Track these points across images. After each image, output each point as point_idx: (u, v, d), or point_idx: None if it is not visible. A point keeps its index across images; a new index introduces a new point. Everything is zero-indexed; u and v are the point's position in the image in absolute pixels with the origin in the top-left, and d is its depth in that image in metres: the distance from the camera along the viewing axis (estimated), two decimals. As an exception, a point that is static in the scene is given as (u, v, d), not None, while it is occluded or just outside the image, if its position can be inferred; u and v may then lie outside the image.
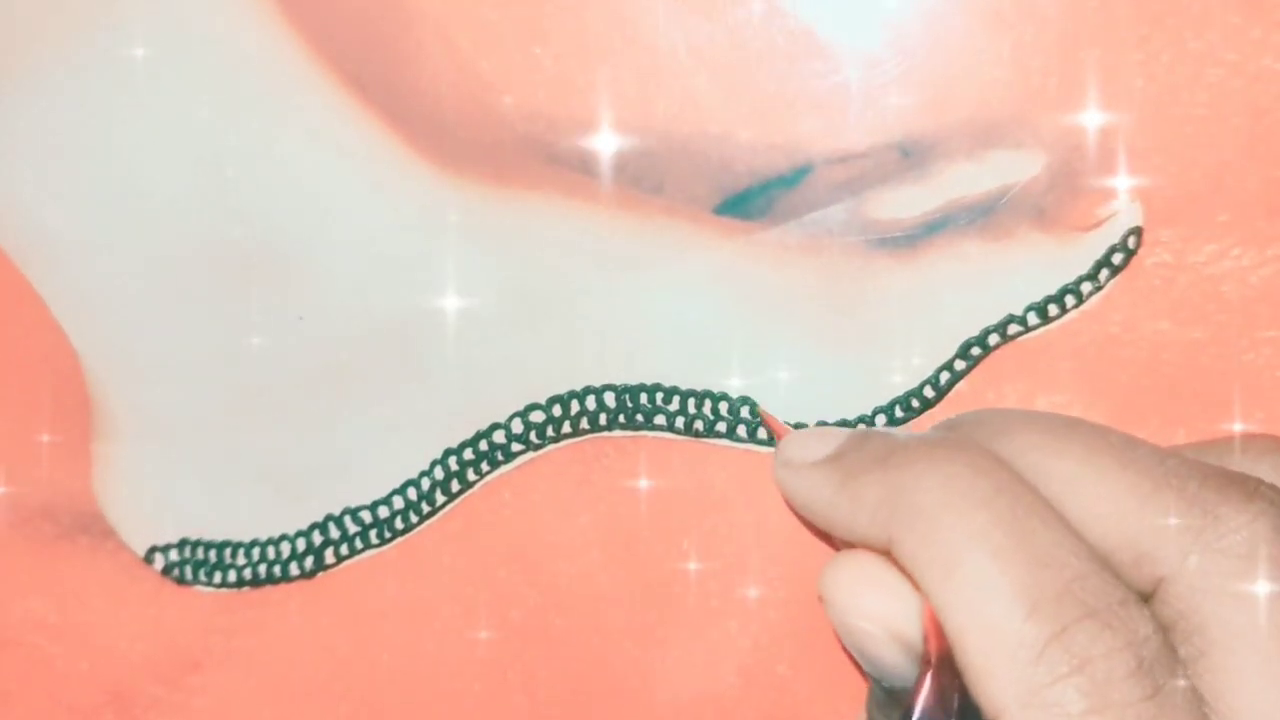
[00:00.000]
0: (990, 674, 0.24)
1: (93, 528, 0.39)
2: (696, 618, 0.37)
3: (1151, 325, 0.34)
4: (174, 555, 0.39)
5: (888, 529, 0.26)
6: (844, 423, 0.35)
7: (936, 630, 0.25)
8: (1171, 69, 0.33)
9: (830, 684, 0.36)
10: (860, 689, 0.36)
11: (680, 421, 0.36)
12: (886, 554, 0.27)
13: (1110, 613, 0.24)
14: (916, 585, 0.26)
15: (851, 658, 0.32)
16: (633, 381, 0.36)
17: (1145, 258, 0.34)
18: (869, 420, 0.35)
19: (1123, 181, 0.33)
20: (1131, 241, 0.34)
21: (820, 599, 0.27)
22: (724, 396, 0.36)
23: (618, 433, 0.37)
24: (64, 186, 0.38)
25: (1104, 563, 0.25)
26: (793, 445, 0.30)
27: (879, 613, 0.26)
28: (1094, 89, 0.33)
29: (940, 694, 0.25)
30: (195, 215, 0.37)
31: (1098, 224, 0.34)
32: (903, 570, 0.26)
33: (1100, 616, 0.24)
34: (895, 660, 0.26)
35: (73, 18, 0.37)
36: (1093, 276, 0.34)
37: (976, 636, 0.24)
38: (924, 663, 0.25)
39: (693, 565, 0.37)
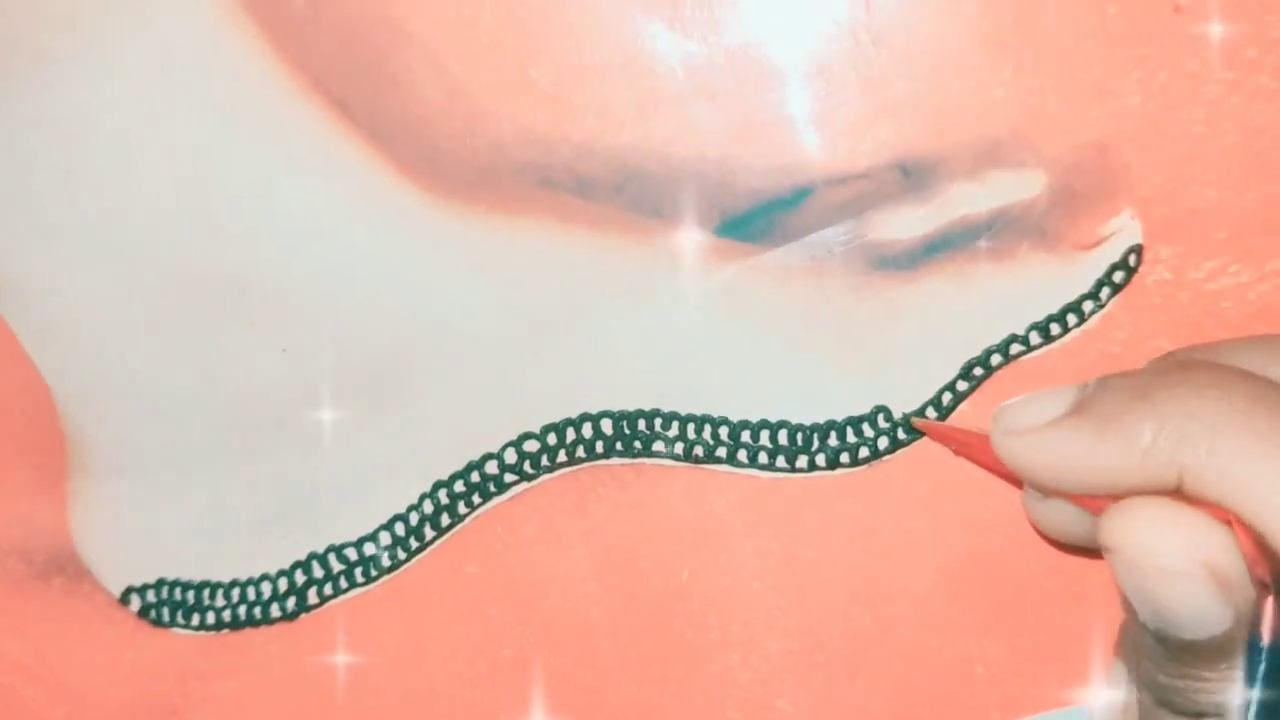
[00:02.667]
0: None
1: (67, 567, 0.37)
2: (695, 651, 0.36)
3: (1152, 343, 0.34)
4: (151, 596, 0.37)
5: (1175, 460, 0.25)
6: (845, 446, 0.35)
7: (1261, 554, 0.24)
8: (1169, 88, 0.33)
9: (832, 718, 0.36)
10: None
11: (679, 447, 0.36)
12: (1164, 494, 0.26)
13: None
14: (1221, 512, 0.25)
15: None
16: (630, 408, 0.36)
17: (1145, 275, 0.34)
18: (871, 444, 0.35)
19: (1122, 199, 0.34)
20: (1132, 259, 0.34)
21: (1106, 549, 0.25)
22: (724, 421, 0.35)
23: (615, 460, 0.36)
24: (35, 214, 0.37)
25: None
26: (1013, 415, 0.28)
27: (1186, 549, 0.24)
28: (1093, 108, 0.33)
29: None
30: (173, 244, 0.36)
31: (1098, 242, 0.34)
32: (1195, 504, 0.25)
33: None
34: (1205, 601, 0.25)
35: (47, 40, 0.36)
36: (1094, 295, 0.34)
37: None
38: (1260, 587, 0.24)
39: (692, 597, 0.36)
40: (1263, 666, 0.24)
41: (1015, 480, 0.31)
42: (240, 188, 0.36)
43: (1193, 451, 0.25)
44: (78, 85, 0.36)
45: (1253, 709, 0.24)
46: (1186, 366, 0.26)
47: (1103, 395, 0.26)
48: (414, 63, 0.35)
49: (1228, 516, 0.24)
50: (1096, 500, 0.27)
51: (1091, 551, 0.33)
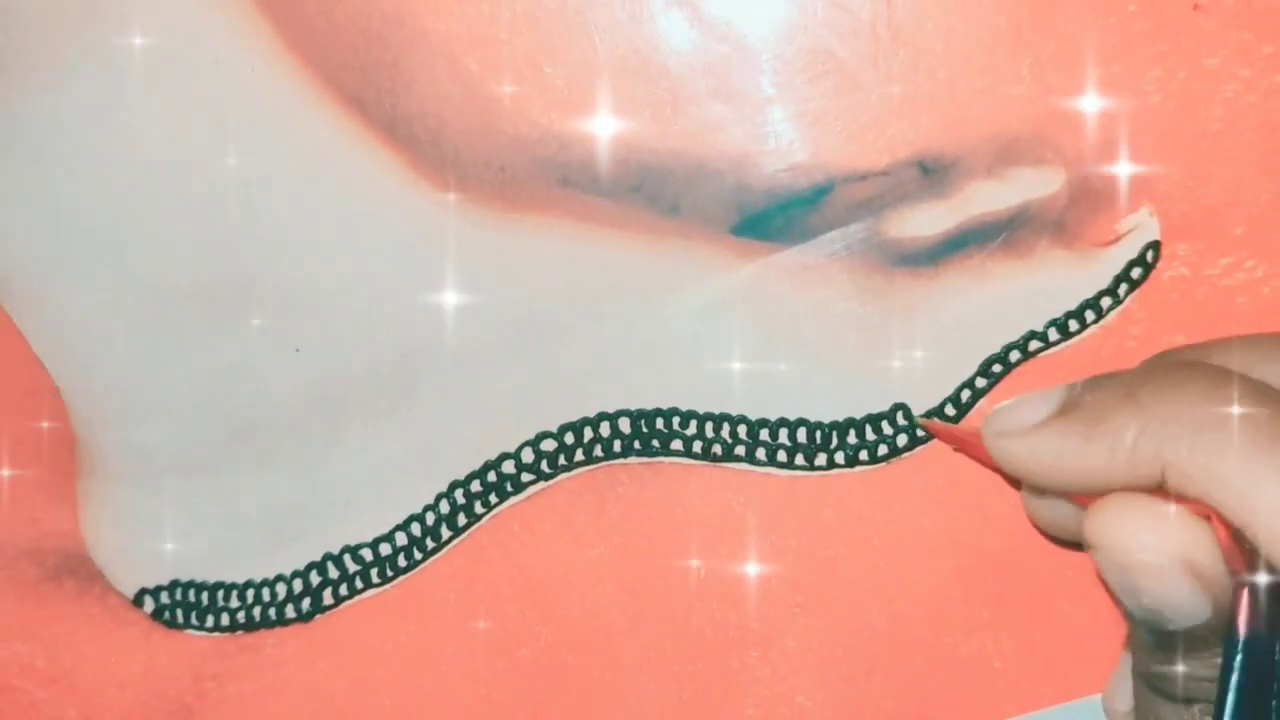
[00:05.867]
0: None
1: (80, 569, 0.37)
2: (714, 649, 0.36)
3: (1169, 339, 0.34)
4: (164, 598, 0.37)
5: (1158, 458, 0.25)
6: (864, 444, 0.35)
7: (1238, 548, 0.25)
8: (1187, 85, 0.33)
9: (850, 715, 0.36)
10: (878, 718, 0.36)
11: (698, 446, 0.35)
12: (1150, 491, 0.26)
13: None
14: (1201, 508, 0.25)
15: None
16: (649, 406, 0.36)
17: (1163, 271, 0.34)
18: (890, 441, 0.35)
19: (1140, 196, 0.34)
20: (1150, 255, 0.34)
21: (1091, 546, 0.26)
22: (742, 419, 0.35)
23: (633, 459, 0.36)
24: (44, 217, 0.36)
25: None
26: (1005, 417, 0.29)
27: (1165, 545, 0.25)
28: (1112, 105, 0.33)
29: (1256, 609, 0.24)
30: (185, 244, 0.36)
31: (1117, 239, 0.34)
32: (1177, 501, 0.26)
33: None
34: (1184, 594, 0.25)
35: (58, 36, 0.36)
36: (1112, 291, 0.34)
37: None
38: (1235, 584, 0.25)
39: (710, 595, 0.36)
40: (1239, 658, 0.25)
41: (1005, 475, 0.31)
42: (254, 188, 0.36)
43: (1174, 450, 0.25)
44: (88, 86, 0.36)
45: (1230, 698, 0.25)
46: (1171, 367, 0.27)
47: (1090, 396, 0.27)
48: (431, 61, 0.35)
49: (1208, 512, 0.25)
50: (1089, 498, 0.27)
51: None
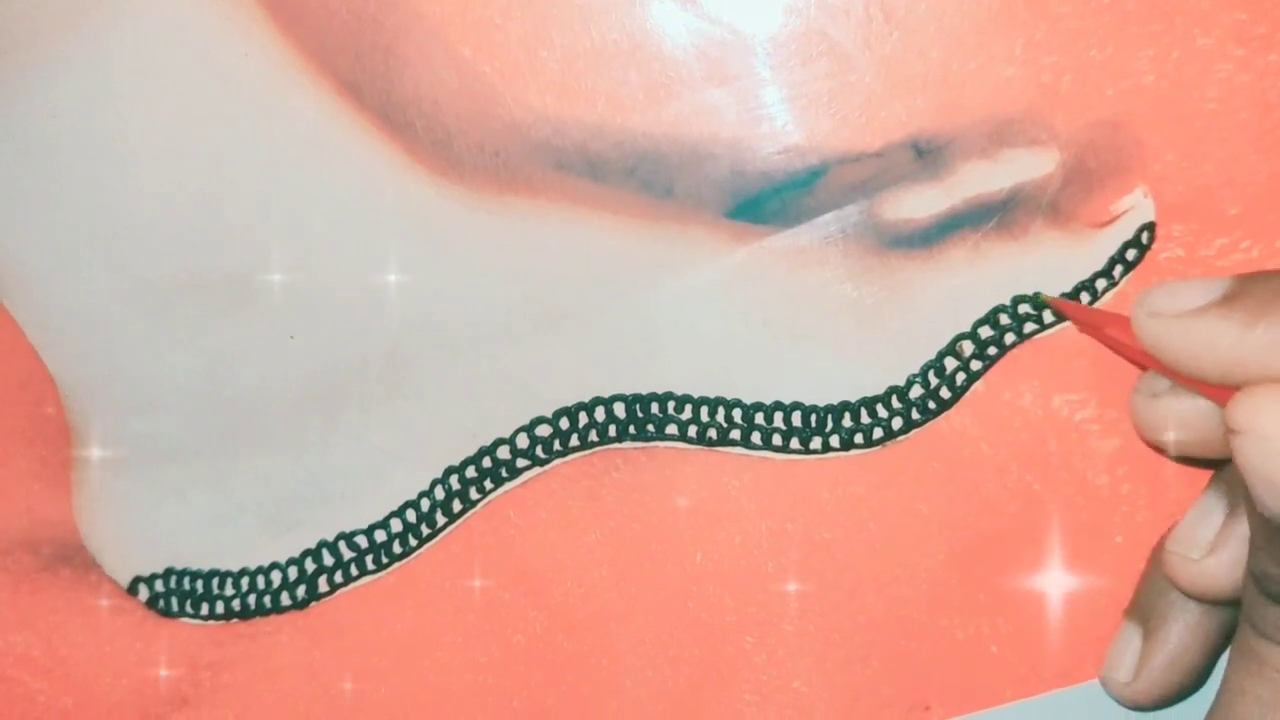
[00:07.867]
0: None
1: (75, 558, 0.37)
2: (710, 634, 0.36)
3: (1165, 321, 0.34)
4: (159, 586, 0.37)
5: None
6: (859, 427, 0.35)
7: None
8: (1181, 65, 0.33)
9: (847, 701, 0.36)
10: (875, 703, 0.36)
11: (693, 430, 0.35)
12: None
13: None
14: None
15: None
16: (643, 391, 0.36)
17: (1158, 252, 0.34)
18: (885, 425, 0.35)
19: (1135, 177, 0.34)
20: (1145, 237, 0.34)
21: (1233, 431, 0.26)
22: (737, 403, 0.35)
23: (628, 444, 0.36)
24: (39, 206, 0.36)
25: None
26: (1162, 297, 0.29)
27: None
28: (1106, 86, 0.33)
29: None
30: (179, 232, 0.36)
31: (1111, 220, 0.34)
32: None
33: None
34: None
35: (50, 25, 0.36)
36: (1107, 273, 0.34)
37: None
38: None
39: (705, 579, 0.36)
40: None
41: (1139, 362, 0.31)
42: (248, 175, 0.36)
43: None
44: (82, 75, 0.36)
45: None
46: None
47: (1255, 288, 0.27)
48: (425, 45, 0.35)
49: None
50: (1226, 391, 0.27)
51: (1192, 458, 0.33)
